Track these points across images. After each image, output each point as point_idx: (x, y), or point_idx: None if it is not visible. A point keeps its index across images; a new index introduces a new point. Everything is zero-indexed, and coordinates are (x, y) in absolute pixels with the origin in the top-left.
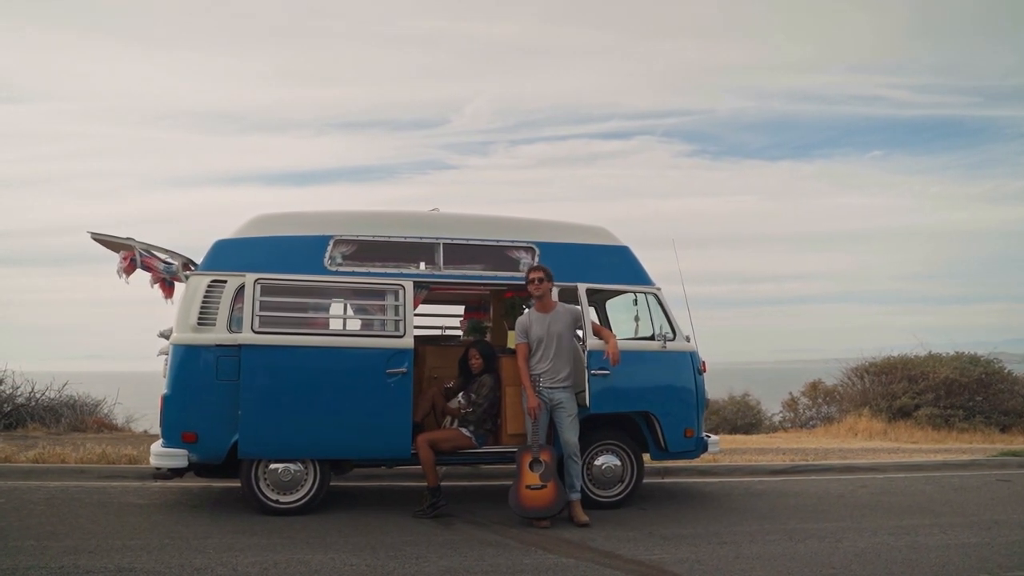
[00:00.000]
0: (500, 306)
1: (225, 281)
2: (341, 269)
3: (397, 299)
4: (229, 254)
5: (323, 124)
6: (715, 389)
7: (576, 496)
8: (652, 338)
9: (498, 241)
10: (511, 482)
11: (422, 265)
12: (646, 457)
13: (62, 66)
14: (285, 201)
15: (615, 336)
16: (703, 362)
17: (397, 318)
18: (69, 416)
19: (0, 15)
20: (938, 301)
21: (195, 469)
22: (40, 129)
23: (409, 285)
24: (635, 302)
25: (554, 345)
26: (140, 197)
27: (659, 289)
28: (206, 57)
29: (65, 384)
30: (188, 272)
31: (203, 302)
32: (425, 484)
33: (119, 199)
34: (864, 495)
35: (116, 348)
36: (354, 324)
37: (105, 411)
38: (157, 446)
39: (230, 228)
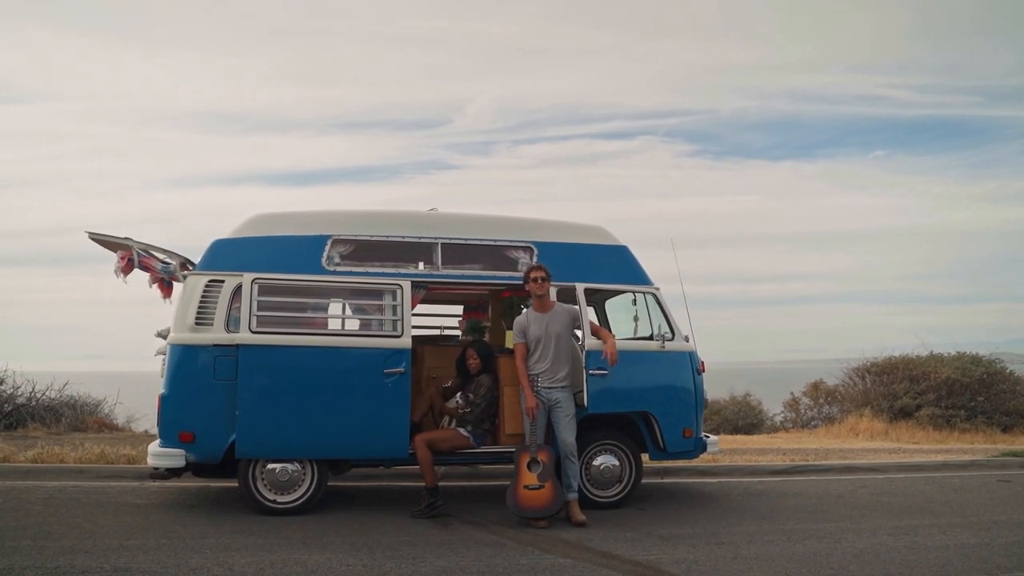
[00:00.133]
0: (498, 306)
1: (223, 281)
2: (339, 269)
3: (395, 299)
4: (227, 254)
5: (324, 124)
6: (716, 389)
7: (574, 496)
8: (651, 338)
9: (496, 241)
10: (509, 482)
11: (420, 265)
12: (645, 457)
13: (62, 66)
14: (287, 201)
15: (613, 336)
16: (702, 362)
17: (395, 318)
18: (70, 416)
19: (0, 15)
20: (940, 301)
21: (193, 469)
22: (40, 129)
23: (407, 285)
24: (634, 302)
25: (552, 345)
26: (140, 197)
27: (658, 289)
28: (206, 57)
29: (65, 384)
30: (186, 272)
31: (201, 302)
32: (423, 484)
33: (119, 199)
34: (864, 495)
35: (116, 348)
36: (352, 324)
37: (106, 411)
38: (155, 446)
39: (229, 228)
